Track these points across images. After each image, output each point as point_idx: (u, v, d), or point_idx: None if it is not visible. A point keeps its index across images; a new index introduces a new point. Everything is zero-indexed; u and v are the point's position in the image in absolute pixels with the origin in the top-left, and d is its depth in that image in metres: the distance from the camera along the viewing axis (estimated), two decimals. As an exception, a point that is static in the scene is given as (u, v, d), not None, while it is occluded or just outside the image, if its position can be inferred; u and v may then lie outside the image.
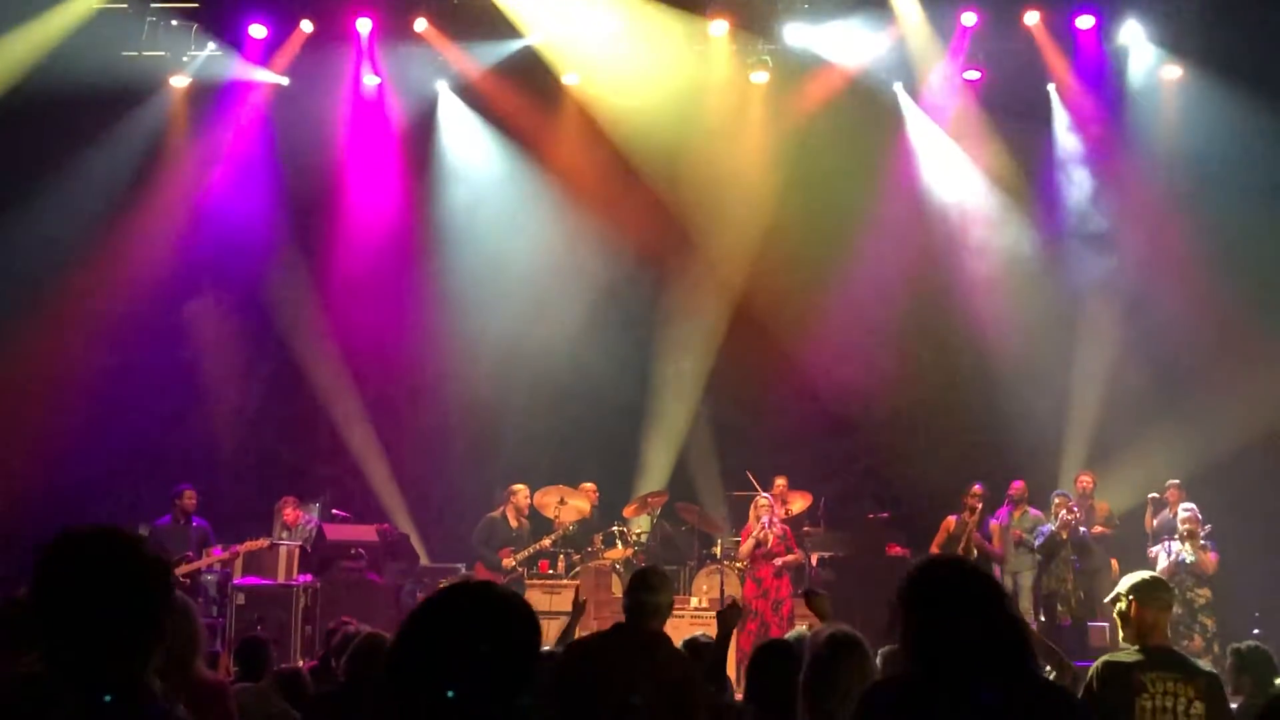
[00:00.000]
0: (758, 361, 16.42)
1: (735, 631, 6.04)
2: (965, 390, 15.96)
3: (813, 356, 16.34)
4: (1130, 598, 5.20)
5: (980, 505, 12.95)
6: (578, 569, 13.49)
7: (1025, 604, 12.62)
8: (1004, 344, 15.78)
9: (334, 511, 14.84)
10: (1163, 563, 12.05)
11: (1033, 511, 13.38)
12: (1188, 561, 12.00)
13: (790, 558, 12.56)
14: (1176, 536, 12.28)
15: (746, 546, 12.61)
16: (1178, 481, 13.41)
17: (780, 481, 14.43)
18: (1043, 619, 12.35)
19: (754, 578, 12.46)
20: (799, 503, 14.37)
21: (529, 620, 2.47)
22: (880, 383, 16.34)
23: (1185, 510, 12.36)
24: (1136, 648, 5.14)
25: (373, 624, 6.57)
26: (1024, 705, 2.91)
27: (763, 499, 12.77)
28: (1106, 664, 5.11)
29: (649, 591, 5.23)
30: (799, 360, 16.40)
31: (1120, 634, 5.31)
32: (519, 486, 13.37)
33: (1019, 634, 3.04)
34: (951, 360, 16.12)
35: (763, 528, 12.54)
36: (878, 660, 6.12)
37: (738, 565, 13.58)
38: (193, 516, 12.72)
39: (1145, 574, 5.60)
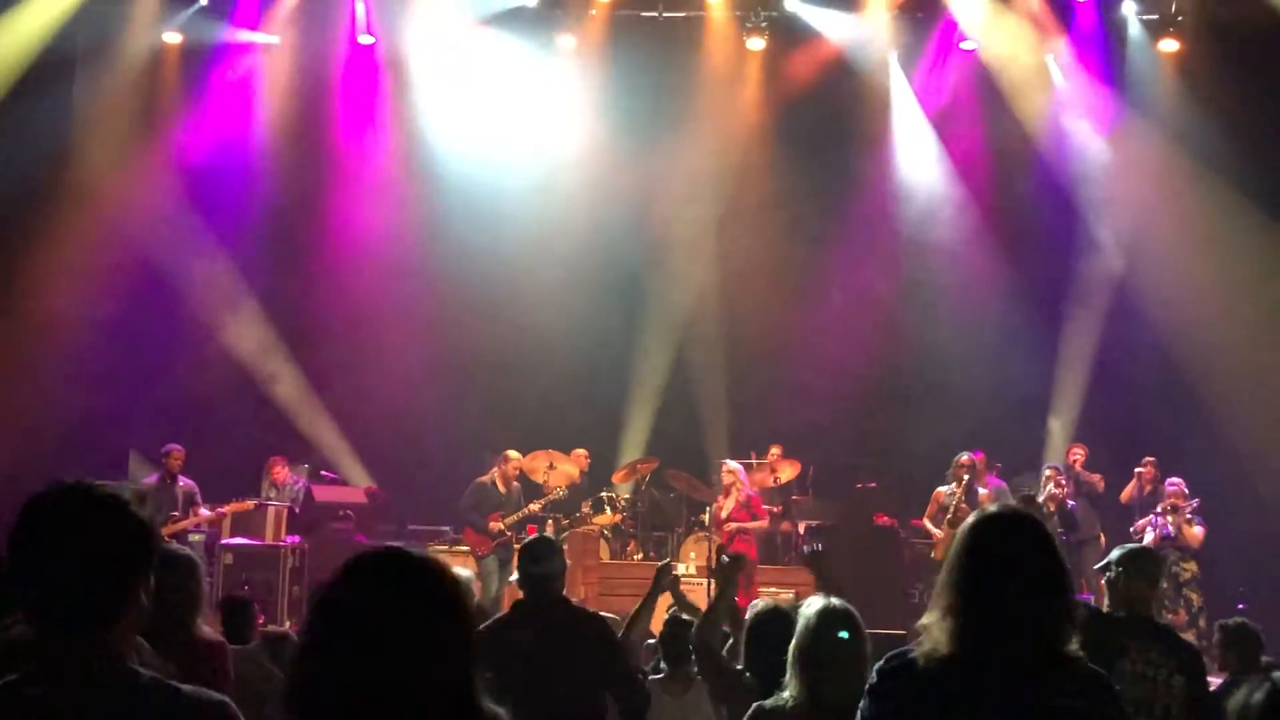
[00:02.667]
0: (746, 330, 16.45)
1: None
2: (951, 361, 16.01)
3: (801, 326, 16.42)
4: (1119, 568, 5.30)
5: (968, 475, 12.94)
6: (565, 534, 13.48)
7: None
8: (990, 314, 15.83)
9: (322, 473, 14.80)
10: (1149, 536, 12.09)
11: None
12: (1172, 535, 12.03)
13: (753, 525, 12.41)
14: (1161, 510, 12.33)
15: (714, 513, 12.54)
16: (1153, 459, 13.48)
17: (775, 450, 14.52)
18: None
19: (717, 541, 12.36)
20: (788, 471, 14.38)
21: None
22: (865, 352, 16.39)
23: (1172, 485, 12.41)
24: (1122, 614, 5.23)
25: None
26: (1060, 701, 2.73)
27: (728, 466, 12.61)
28: (1095, 616, 5.15)
29: (534, 563, 5.18)
30: (787, 329, 16.47)
31: (1106, 602, 5.38)
32: (512, 453, 13.30)
33: (1069, 612, 2.83)
34: (937, 330, 16.16)
35: (719, 498, 12.42)
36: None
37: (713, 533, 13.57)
38: (179, 476, 12.64)
39: (1136, 546, 5.68)
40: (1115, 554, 5.47)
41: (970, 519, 2.92)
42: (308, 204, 16.06)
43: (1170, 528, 12.05)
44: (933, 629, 2.82)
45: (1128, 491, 13.55)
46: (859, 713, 2.89)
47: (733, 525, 12.12)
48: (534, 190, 16.30)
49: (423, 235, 16.13)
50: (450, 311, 16.19)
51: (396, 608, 2.03)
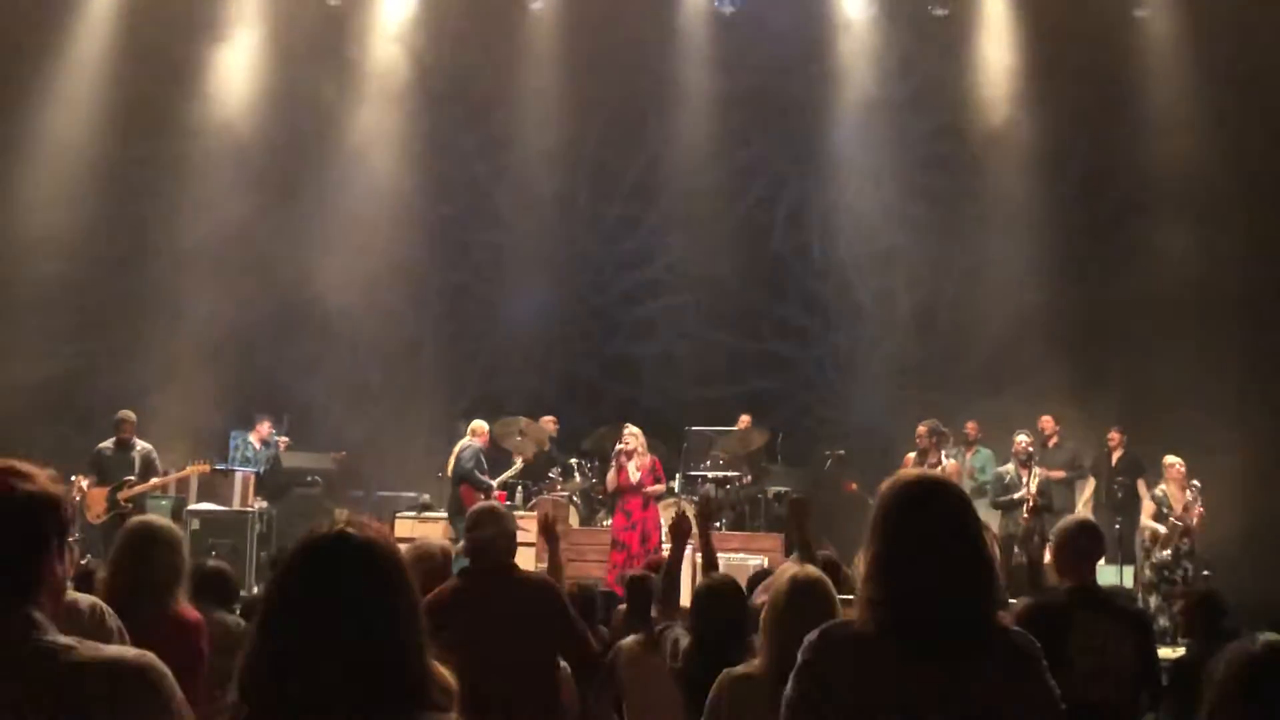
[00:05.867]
0: (715, 299, 16.54)
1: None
2: (905, 328, 16.19)
3: (751, 292, 16.52)
4: (1061, 540, 5.38)
5: (929, 446, 12.65)
6: (535, 500, 13.48)
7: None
8: (943, 282, 15.95)
9: (279, 439, 14.58)
10: (1150, 505, 12.39)
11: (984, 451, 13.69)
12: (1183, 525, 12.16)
13: (657, 487, 12.35)
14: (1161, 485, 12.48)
15: (610, 476, 12.40)
16: (1119, 428, 13.76)
17: (745, 418, 14.55)
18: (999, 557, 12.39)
19: (623, 510, 12.20)
20: (757, 439, 14.41)
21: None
22: (817, 319, 16.52)
23: (1173, 466, 12.46)
24: (1067, 587, 5.27)
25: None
26: (989, 673, 2.63)
27: (625, 431, 12.58)
28: (1031, 607, 5.16)
29: (477, 528, 5.17)
30: (751, 297, 16.56)
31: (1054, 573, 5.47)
32: (478, 423, 13.26)
33: (990, 577, 2.73)
34: (891, 299, 16.34)
35: (620, 464, 12.26)
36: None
37: (684, 499, 13.49)
38: (135, 439, 12.47)
39: (1077, 517, 5.75)
40: (1059, 526, 5.55)
41: (883, 486, 2.82)
42: (284, 164, 15.91)
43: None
44: (858, 602, 2.75)
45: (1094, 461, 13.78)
46: (784, 695, 2.74)
47: (649, 489, 12.09)
48: (490, 152, 16.34)
49: (384, 198, 16.09)
50: (415, 274, 16.22)
51: (342, 586, 2.17)
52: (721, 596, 4.87)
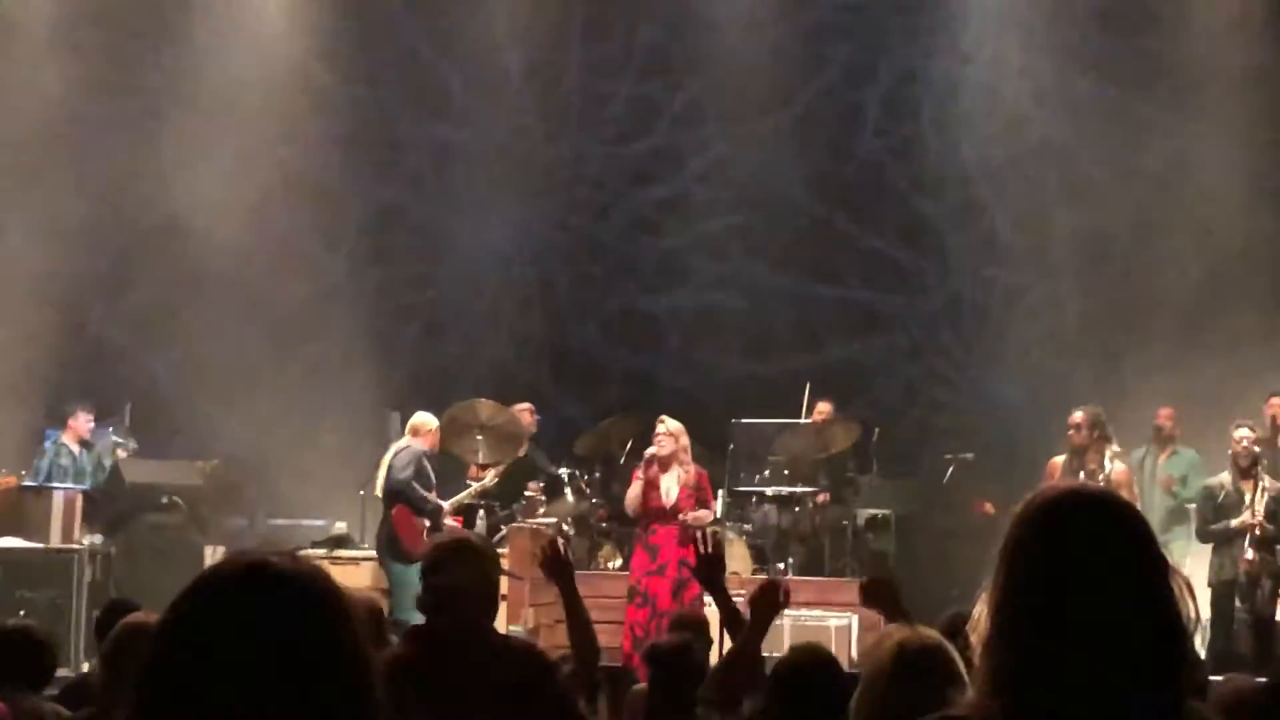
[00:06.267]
0: (751, 224, 16.60)
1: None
2: (1064, 268, 16.32)
3: (829, 214, 16.71)
4: None
5: (1087, 444, 12.65)
6: (505, 530, 13.42)
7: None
8: (1122, 197, 16.09)
9: (116, 440, 14.69)
10: None
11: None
12: None
13: (702, 513, 12.26)
14: None
15: (633, 493, 12.29)
16: None
17: (824, 407, 14.59)
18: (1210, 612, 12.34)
19: (647, 545, 12.15)
20: (842, 437, 14.48)
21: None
22: (930, 255, 16.53)
23: None
24: None
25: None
26: None
27: (660, 427, 12.49)
28: (1262, 693, 5.08)
29: (441, 569, 5.17)
30: (804, 220, 16.68)
31: None
32: (422, 420, 13.17)
33: (1177, 645, 2.61)
34: (1043, 224, 16.45)
35: (650, 475, 12.17)
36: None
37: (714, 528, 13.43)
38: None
39: None
40: None
41: (1018, 509, 2.71)
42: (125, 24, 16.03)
43: None
44: (976, 677, 2.70)
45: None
46: None
47: (690, 516, 11.98)
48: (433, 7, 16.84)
49: (275, 75, 16.35)
50: (324, 190, 16.33)
51: (264, 644, 2.05)
52: (809, 681, 4.86)
